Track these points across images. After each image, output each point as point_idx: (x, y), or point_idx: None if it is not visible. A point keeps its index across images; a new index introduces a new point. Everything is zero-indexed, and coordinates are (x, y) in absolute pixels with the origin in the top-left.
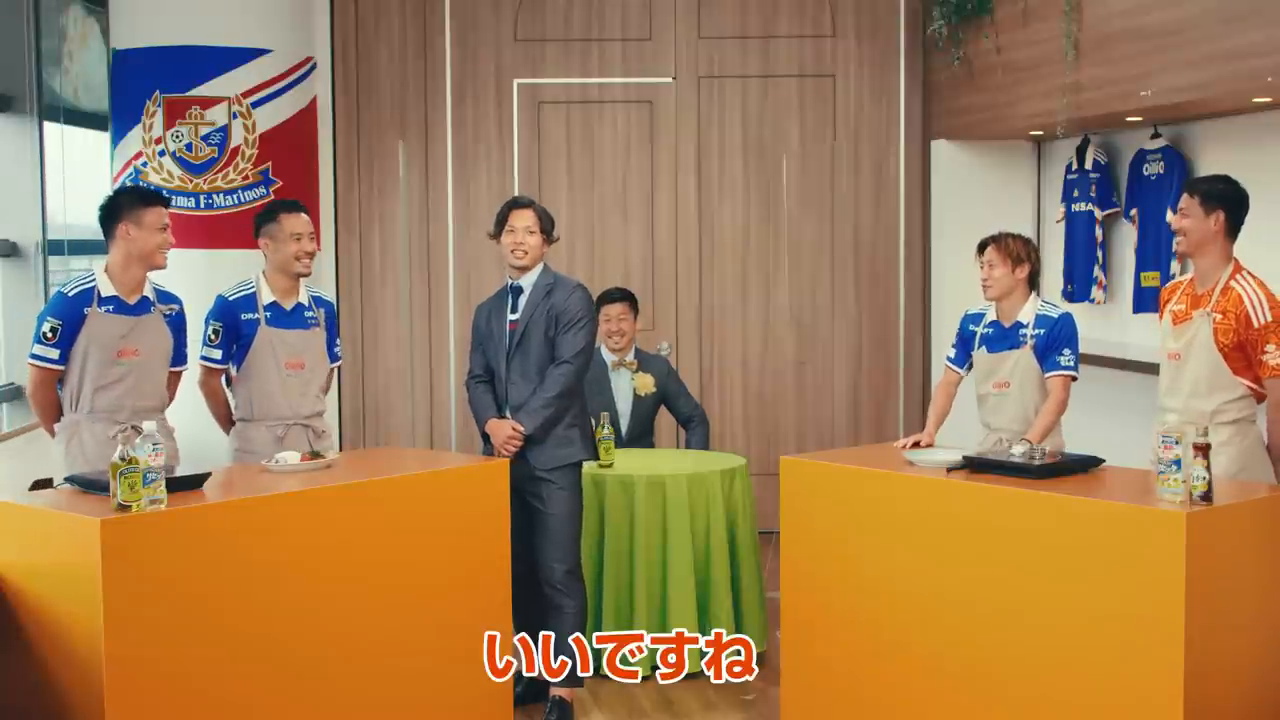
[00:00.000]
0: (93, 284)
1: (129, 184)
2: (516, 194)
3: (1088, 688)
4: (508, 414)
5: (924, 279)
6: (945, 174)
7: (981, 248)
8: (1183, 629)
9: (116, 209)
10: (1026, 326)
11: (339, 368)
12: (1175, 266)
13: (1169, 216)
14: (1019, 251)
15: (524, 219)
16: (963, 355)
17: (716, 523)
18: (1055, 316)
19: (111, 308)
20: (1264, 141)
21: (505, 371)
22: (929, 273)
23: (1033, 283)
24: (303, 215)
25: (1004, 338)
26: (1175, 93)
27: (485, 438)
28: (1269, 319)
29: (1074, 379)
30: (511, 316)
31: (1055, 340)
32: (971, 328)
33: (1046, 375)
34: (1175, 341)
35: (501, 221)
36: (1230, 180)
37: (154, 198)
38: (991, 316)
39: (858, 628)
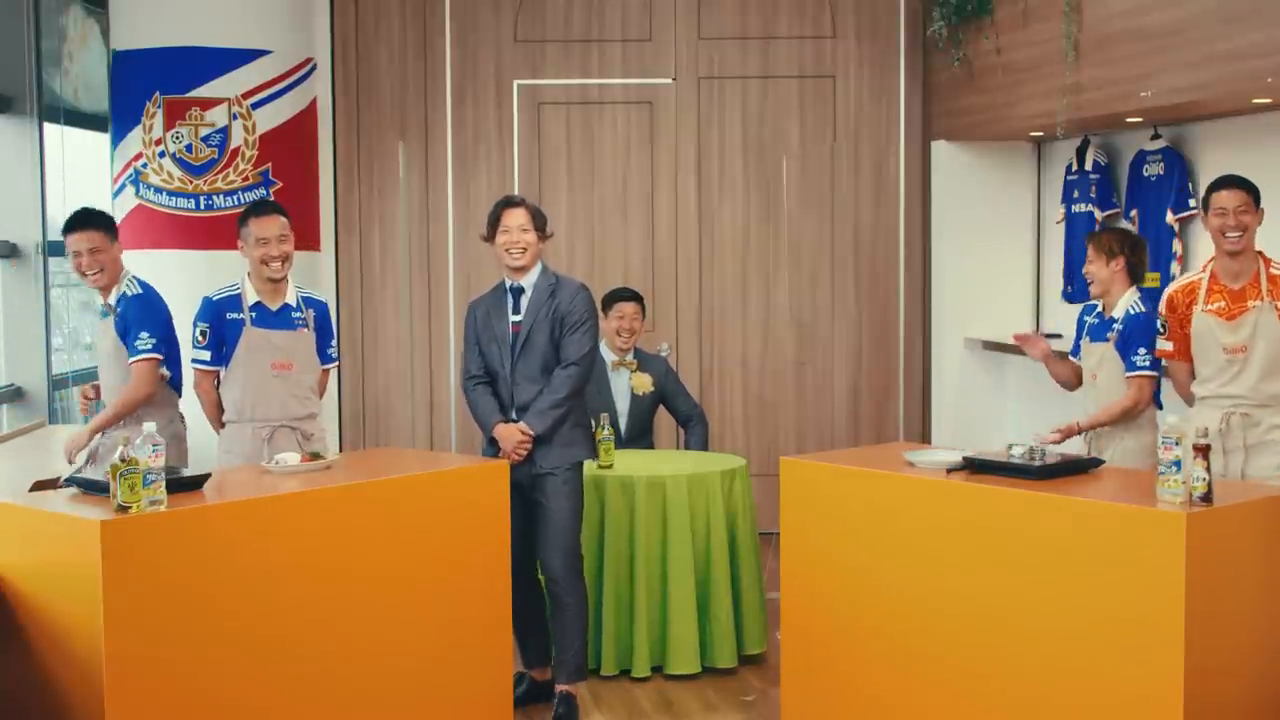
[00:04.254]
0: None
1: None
2: (507, 195)
3: (1088, 688)
4: (513, 416)
5: (924, 279)
6: (945, 174)
7: (1087, 242)
8: (1183, 629)
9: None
10: (1117, 321)
11: (337, 369)
12: (1175, 267)
13: (1209, 217)
14: (1111, 245)
15: (516, 218)
16: (1076, 345)
17: (716, 523)
18: (1134, 314)
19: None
20: (1264, 142)
21: (510, 373)
22: (929, 273)
23: (1134, 275)
24: (275, 218)
25: (1100, 330)
26: (1175, 93)
27: (489, 441)
28: None
29: (1154, 379)
30: (514, 318)
31: (1129, 339)
32: (1085, 318)
33: (1126, 375)
34: (1233, 335)
35: (494, 223)
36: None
37: (70, 224)
38: (1100, 306)
39: (858, 628)
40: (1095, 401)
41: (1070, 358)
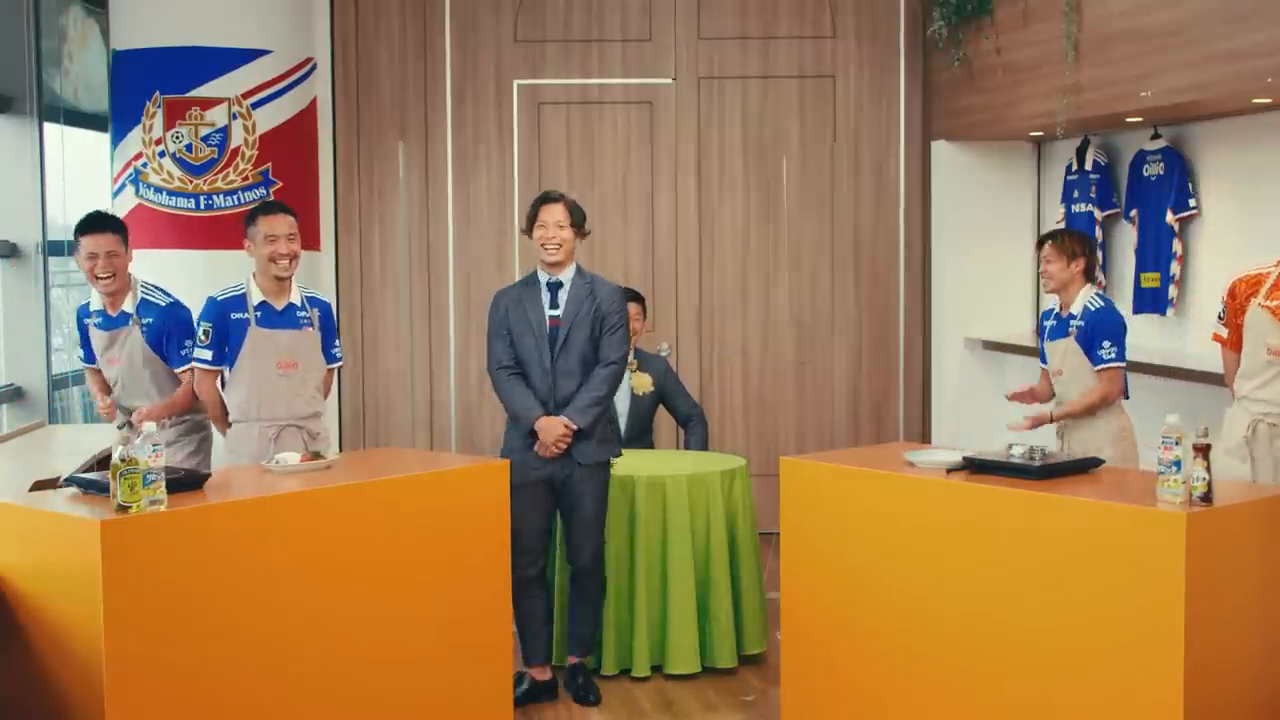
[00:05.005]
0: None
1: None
2: (546, 190)
3: (1088, 688)
4: (551, 409)
5: (924, 279)
6: (945, 174)
7: (1040, 244)
8: (1183, 629)
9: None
10: (1076, 317)
11: (340, 369)
12: (1175, 267)
13: None
14: (1073, 247)
15: (554, 213)
16: (1042, 352)
17: (716, 523)
18: (1094, 309)
19: (99, 321)
20: (1264, 142)
21: (550, 367)
22: (929, 273)
23: (1090, 275)
24: (283, 216)
25: (1061, 328)
26: (1175, 93)
27: (528, 433)
28: None
29: (1122, 369)
30: (552, 312)
31: (1093, 333)
32: (1045, 322)
33: (1095, 370)
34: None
35: (532, 218)
36: None
37: (87, 225)
38: (1057, 309)
39: (858, 628)
40: (1061, 395)
41: (1042, 366)
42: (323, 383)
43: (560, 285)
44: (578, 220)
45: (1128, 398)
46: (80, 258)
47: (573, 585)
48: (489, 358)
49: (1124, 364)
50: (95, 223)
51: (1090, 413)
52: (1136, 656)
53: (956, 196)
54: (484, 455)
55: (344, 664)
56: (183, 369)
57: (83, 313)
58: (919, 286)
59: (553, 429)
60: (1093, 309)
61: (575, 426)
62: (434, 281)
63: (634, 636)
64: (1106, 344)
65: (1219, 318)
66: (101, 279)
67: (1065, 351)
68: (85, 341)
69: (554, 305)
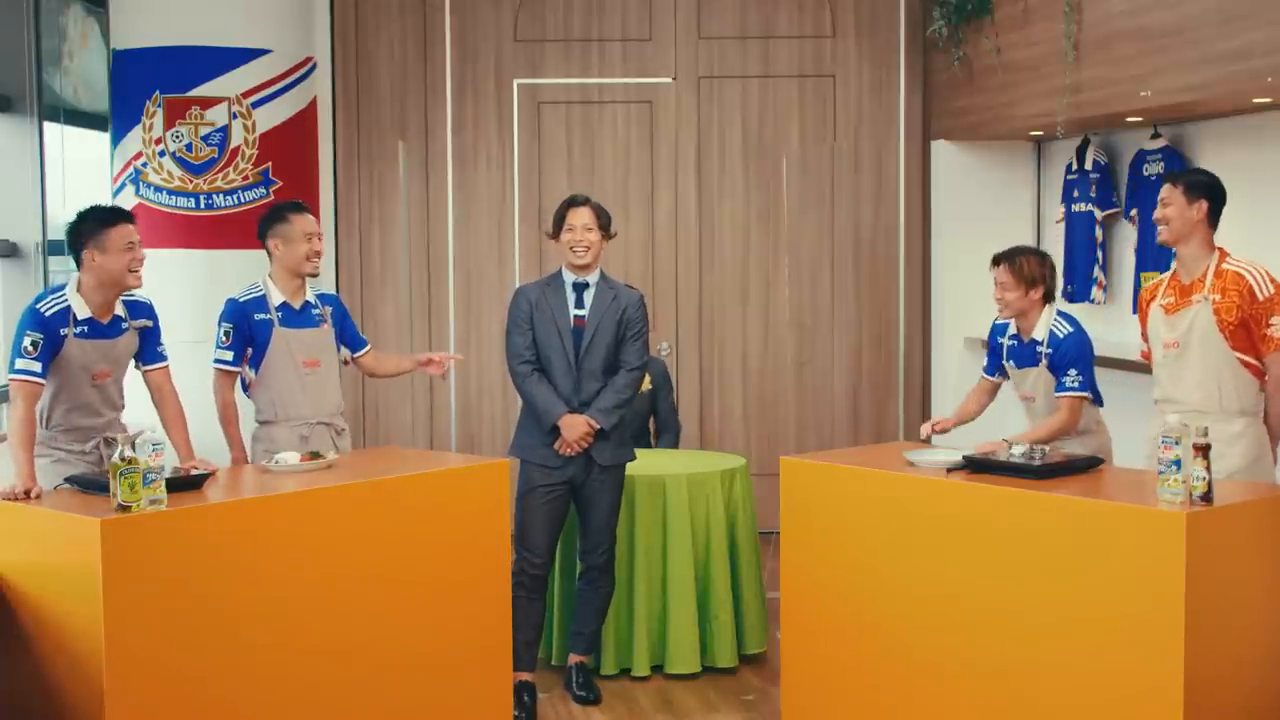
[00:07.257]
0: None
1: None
2: (573, 193)
3: (1088, 688)
4: (575, 407)
5: (924, 279)
6: (945, 174)
7: (995, 262)
8: (1183, 629)
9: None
10: (1041, 344)
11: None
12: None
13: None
14: (1033, 274)
15: (582, 217)
16: (993, 364)
17: (716, 523)
18: (1062, 336)
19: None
20: (1264, 141)
21: (574, 366)
22: (929, 273)
23: (1049, 296)
24: (310, 215)
25: (1025, 353)
26: (1175, 93)
27: (546, 429)
28: (1272, 292)
29: (1085, 399)
30: (577, 312)
31: (1060, 362)
32: (999, 339)
33: (1055, 396)
34: (1171, 331)
35: (559, 220)
36: (1211, 173)
37: (116, 214)
38: (1014, 329)
39: (858, 628)
40: (1033, 423)
41: (983, 376)
42: (340, 377)
43: (586, 286)
44: (604, 223)
45: (1102, 404)
46: (110, 253)
47: (583, 584)
48: (509, 350)
49: (1087, 393)
50: (120, 212)
51: (1053, 440)
52: (1136, 656)
53: (956, 196)
54: (484, 455)
55: (343, 664)
56: (155, 366)
57: (58, 321)
58: (919, 286)
59: (577, 427)
60: (1060, 335)
61: (599, 426)
62: (434, 281)
63: (634, 636)
64: (1073, 372)
65: (1142, 336)
66: (135, 272)
67: (1037, 379)
68: (51, 353)
69: (579, 305)
